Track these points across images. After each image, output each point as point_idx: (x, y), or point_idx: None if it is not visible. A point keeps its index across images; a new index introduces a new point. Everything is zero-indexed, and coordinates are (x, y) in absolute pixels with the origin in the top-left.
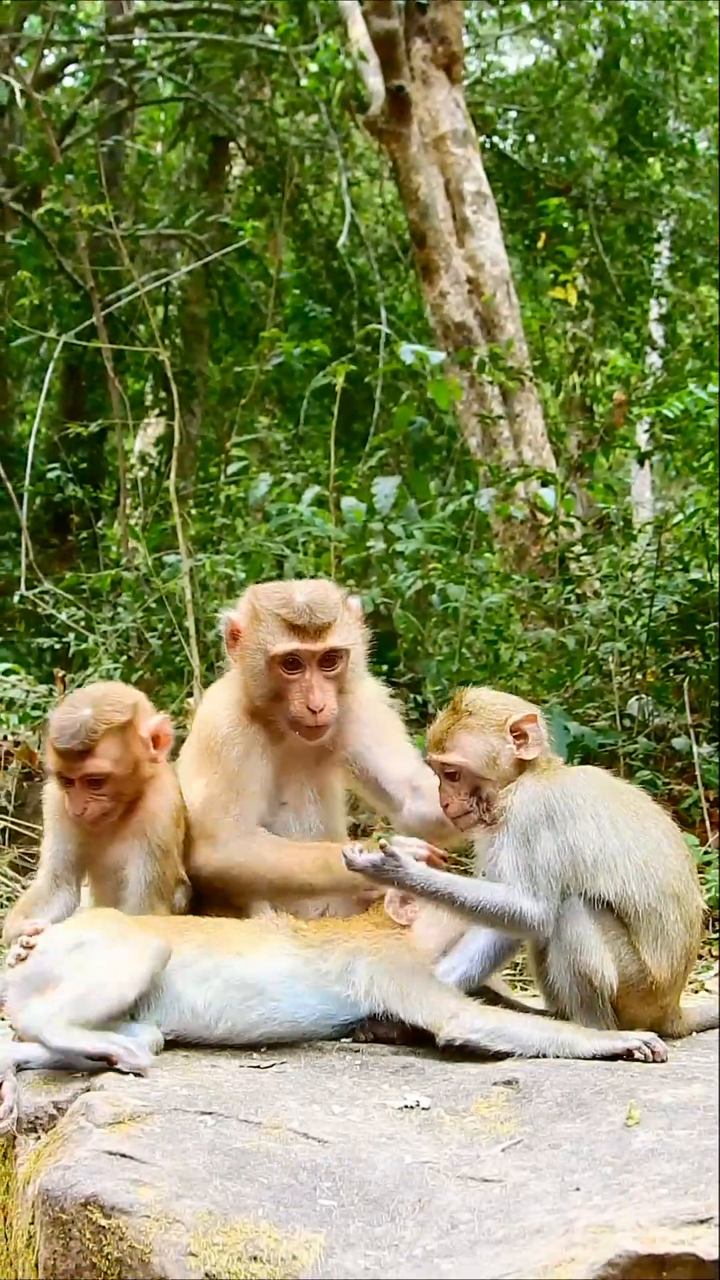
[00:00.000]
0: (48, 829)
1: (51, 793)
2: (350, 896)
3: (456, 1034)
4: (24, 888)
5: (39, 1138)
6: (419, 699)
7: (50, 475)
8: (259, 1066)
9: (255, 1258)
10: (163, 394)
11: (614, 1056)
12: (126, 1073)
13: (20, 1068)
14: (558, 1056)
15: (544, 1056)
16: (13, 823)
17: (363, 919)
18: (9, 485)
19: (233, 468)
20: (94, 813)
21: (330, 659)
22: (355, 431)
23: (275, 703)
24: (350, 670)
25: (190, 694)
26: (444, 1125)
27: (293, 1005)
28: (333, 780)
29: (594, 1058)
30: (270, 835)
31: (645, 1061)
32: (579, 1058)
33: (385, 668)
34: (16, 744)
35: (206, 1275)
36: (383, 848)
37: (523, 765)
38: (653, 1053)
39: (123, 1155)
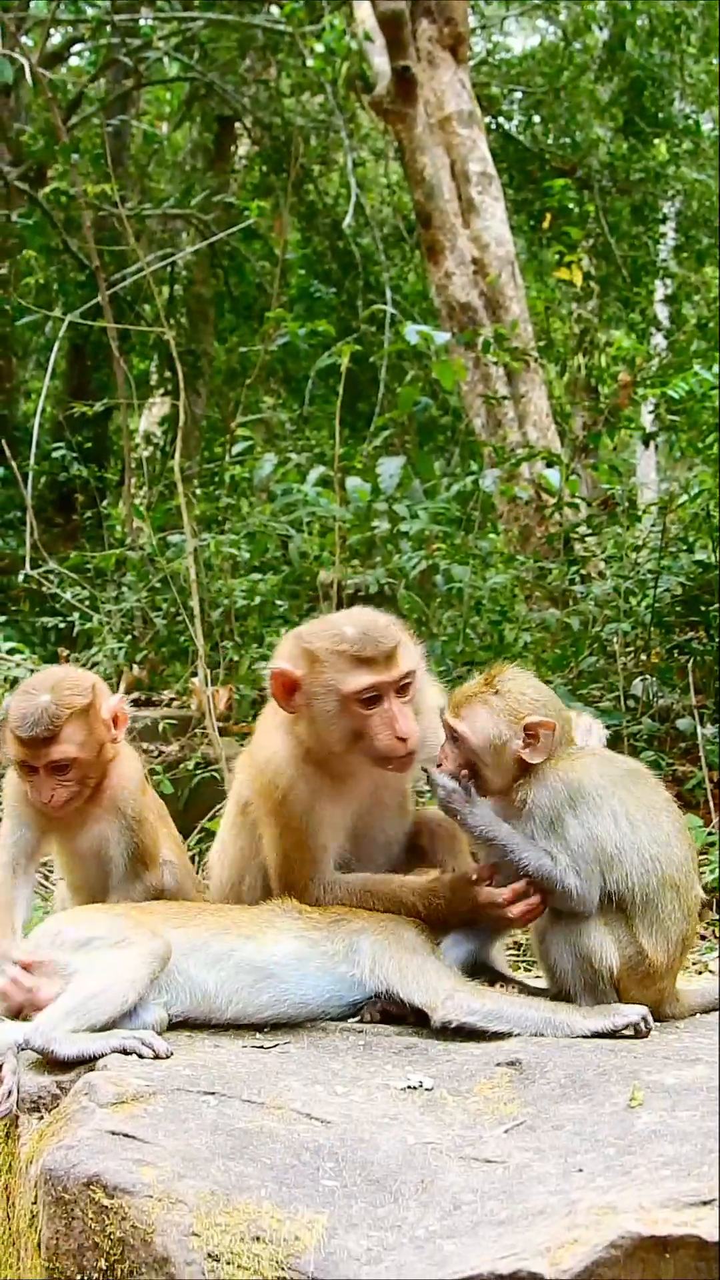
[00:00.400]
0: (7, 816)
1: (11, 780)
2: (451, 927)
3: (452, 1016)
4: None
5: (41, 1117)
6: None
7: (55, 454)
8: (262, 1047)
9: (258, 1238)
10: (168, 374)
11: (611, 1033)
12: (147, 1055)
13: (22, 1048)
14: (556, 1036)
15: (542, 1036)
16: None
17: None
18: (14, 464)
19: (238, 448)
20: (60, 799)
21: (406, 685)
22: (360, 412)
23: (354, 743)
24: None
25: (194, 673)
26: (447, 1106)
27: (301, 987)
28: (401, 786)
29: (592, 1036)
30: (356, 881)
31: (637, 1036)
32: (577, 1036)
33: None
34: None
35: (209, 1255)
36: (459, 779)
37: (524, 765)
38: (646, 1027)
39: (125, 1135)
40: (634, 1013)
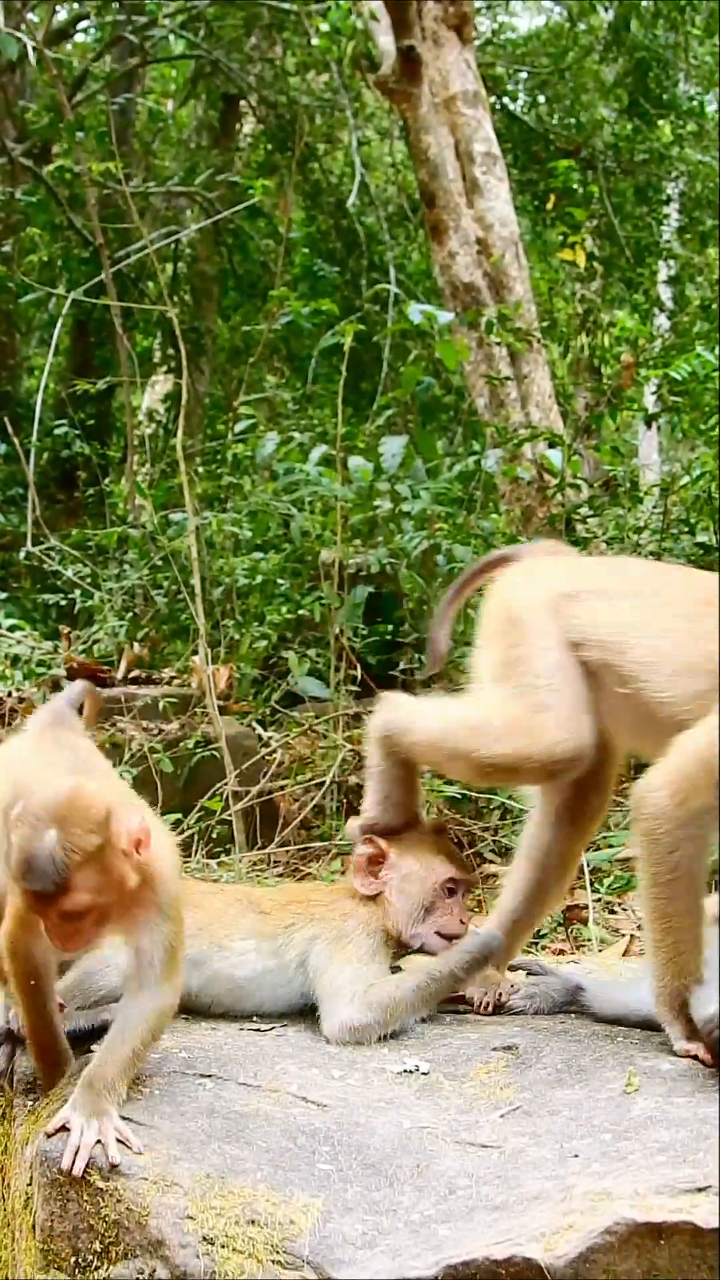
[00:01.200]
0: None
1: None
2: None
3: (336, 1039)
4: None
5: (36, 1099)
6: (423, 659)
7: (57, 431)
8: (259, 1029)
9: (253, 1221)
10: (171, 351)
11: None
12: None
13: (16, 1031)
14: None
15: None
16: None
17: (328, 890)
18: (16, 441)
19: (240, 426)
20: (80, 943)
21: None
22: (363, 391)
23: None
24: None
25: (195, 652)
26: (443, 1090)
27: (273, 997)
28: None
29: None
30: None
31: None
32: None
33: (390, 628)
34: (21, 700)
35: (204, 1239)
36: None
37: None
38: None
39: (121, 1118)
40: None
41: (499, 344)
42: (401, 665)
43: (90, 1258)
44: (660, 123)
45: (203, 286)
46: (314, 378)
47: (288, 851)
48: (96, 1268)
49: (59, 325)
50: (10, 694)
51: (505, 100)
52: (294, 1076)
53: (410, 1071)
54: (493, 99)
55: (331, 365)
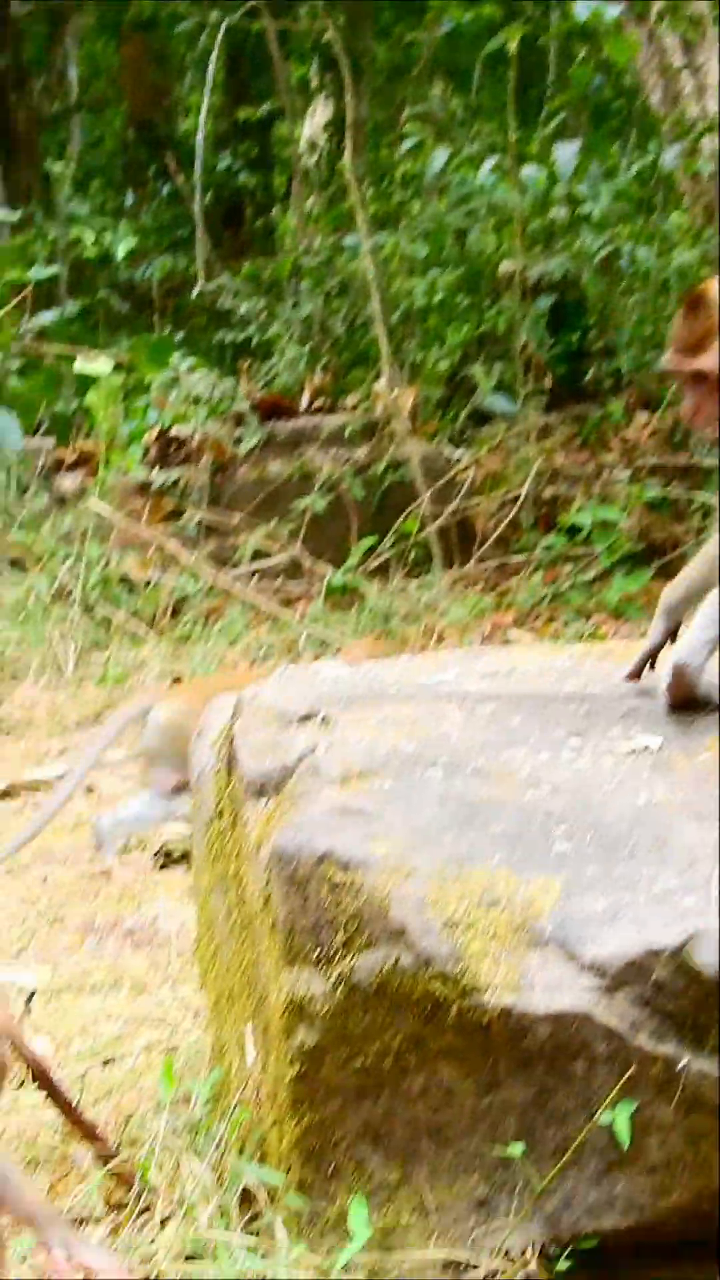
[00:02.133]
0: None
1: None
2: None
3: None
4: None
5: (267, 801)
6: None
7: (220, 167)
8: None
9: (494, 903)
10: (329, 75)
11: None
12: None
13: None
14: None
15: None
16: (206, 516)
17: None
18: (178, 179)
19: (407, 144)
20: None
21: None
22: (531, 98)
23: None
24: None
25: (378, 376)
26: (677, 765)
27: None
28: None
29: None
30: None
31: None
32: None
33: (576, 336)
34: (205, 438)
35: (446, 923)
36: None
37: None
38: None
39: (354, 811)
40: None
41: (672, 33)
42: (590, 373)
43: (333, 951)
44: None
45: (357, 5)
46: (479, 88)
47: (486, 569)
48: (341, 959)
49: (213, 57)
50: (195, 432)
51: None
52: (524, 761)
53: (642, 749)
54: None
55: (497, 74)
